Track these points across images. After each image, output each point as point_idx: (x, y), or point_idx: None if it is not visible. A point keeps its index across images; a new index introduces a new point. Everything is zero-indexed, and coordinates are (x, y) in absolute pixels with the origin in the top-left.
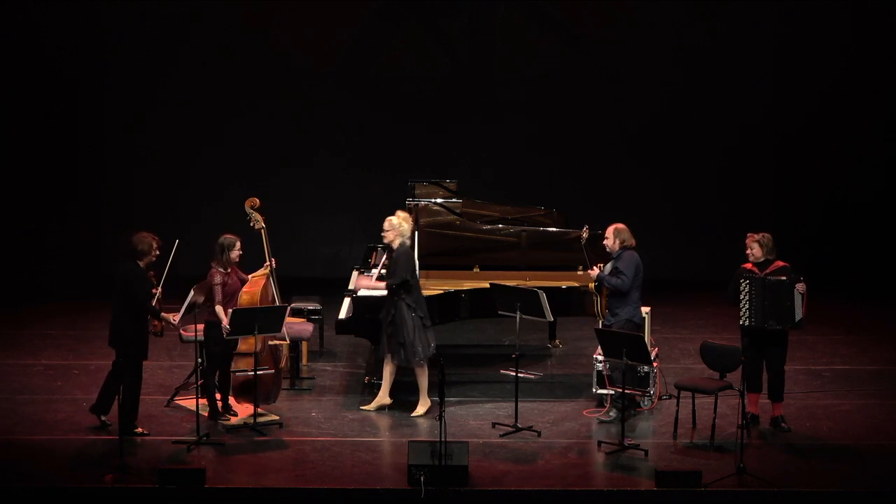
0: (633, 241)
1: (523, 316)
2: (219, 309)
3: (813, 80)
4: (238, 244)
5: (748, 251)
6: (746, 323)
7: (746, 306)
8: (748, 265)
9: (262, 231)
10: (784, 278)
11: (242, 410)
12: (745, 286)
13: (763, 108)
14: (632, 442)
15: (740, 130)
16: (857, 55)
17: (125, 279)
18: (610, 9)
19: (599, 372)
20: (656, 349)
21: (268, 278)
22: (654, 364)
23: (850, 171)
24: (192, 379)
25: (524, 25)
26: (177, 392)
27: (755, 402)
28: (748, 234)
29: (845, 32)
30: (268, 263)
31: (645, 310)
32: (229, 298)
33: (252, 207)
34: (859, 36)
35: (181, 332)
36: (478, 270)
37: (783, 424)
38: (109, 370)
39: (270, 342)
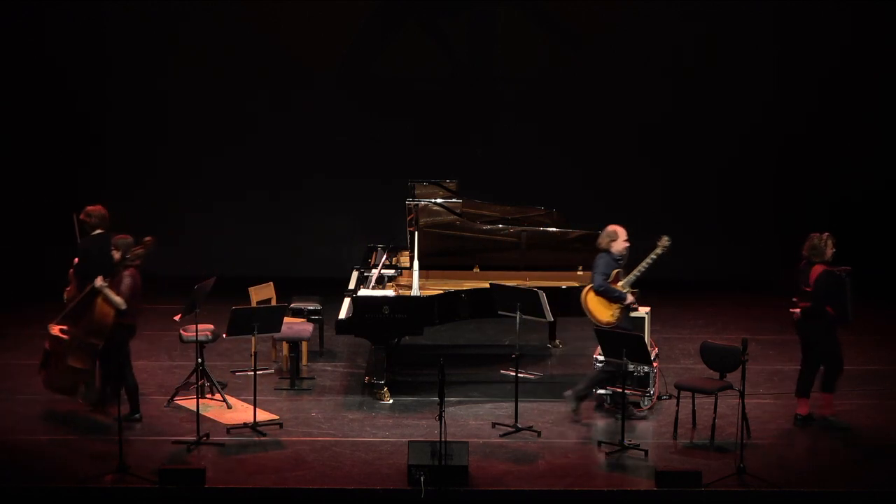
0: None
1: (523, 316)
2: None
3: (814, 80)
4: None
5: (829, 250)
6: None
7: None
8: (823, 266)
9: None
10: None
11: (242, 409)
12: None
13: (764, 108)
14: (632, 442)
15: (741, 131)
16: (857, 55)
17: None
18: (610, 9)
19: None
20: (656, 349)
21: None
22: (654, 364)
23: (850, 171)
24: (193, 379)
25: (524, 25)
26: (177, 392)
27: (807, 405)
28: (825, 235)
29: (845, 32)
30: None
31: (645, 310)
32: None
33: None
34: (859, 36)
35: (181, 332)
36: (478, 270)
37: (831, 419)
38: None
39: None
